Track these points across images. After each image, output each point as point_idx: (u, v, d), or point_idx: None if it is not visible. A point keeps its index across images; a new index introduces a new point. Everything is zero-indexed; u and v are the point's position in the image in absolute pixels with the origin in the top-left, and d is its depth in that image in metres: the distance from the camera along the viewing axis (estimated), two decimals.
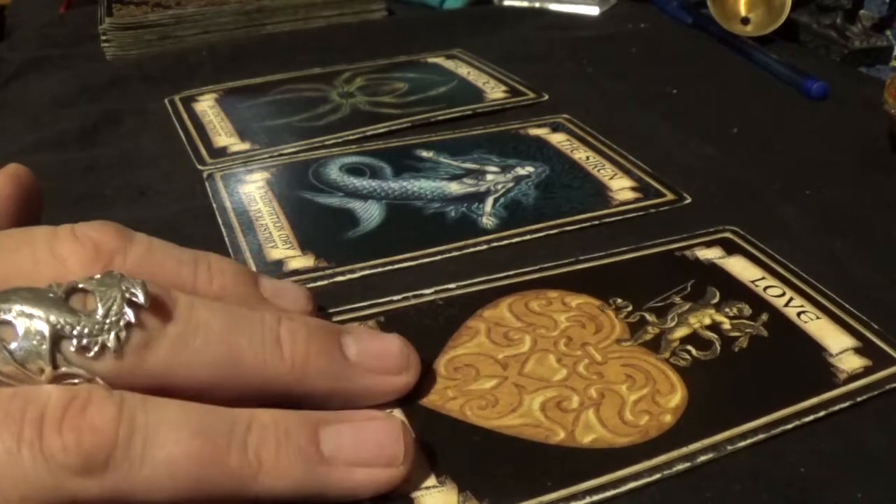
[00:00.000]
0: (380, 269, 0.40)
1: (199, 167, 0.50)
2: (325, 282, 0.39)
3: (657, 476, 0.28)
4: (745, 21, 0.70)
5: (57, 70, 0.67)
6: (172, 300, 0.26)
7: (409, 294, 0.37)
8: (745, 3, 0.71)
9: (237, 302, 0.30)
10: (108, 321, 0.25)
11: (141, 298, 0.25)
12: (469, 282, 0.38)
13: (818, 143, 0.53)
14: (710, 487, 0.28)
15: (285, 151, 0.52)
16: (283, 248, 0.41)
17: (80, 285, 0.25)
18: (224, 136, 0.54)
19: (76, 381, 0.25)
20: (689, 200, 0.46)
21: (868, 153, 0.52)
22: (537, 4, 0.80)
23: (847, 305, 0.36)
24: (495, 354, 0.33)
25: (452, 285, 0.38)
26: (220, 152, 0.52)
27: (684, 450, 0.29)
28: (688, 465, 0.28)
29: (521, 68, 0.64)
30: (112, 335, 0.25)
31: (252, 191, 0.47)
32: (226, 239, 0.42)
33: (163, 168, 0.51)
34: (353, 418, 0.27)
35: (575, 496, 0.27)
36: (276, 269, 0.39)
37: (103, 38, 0.68)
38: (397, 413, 0.30)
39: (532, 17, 0.78)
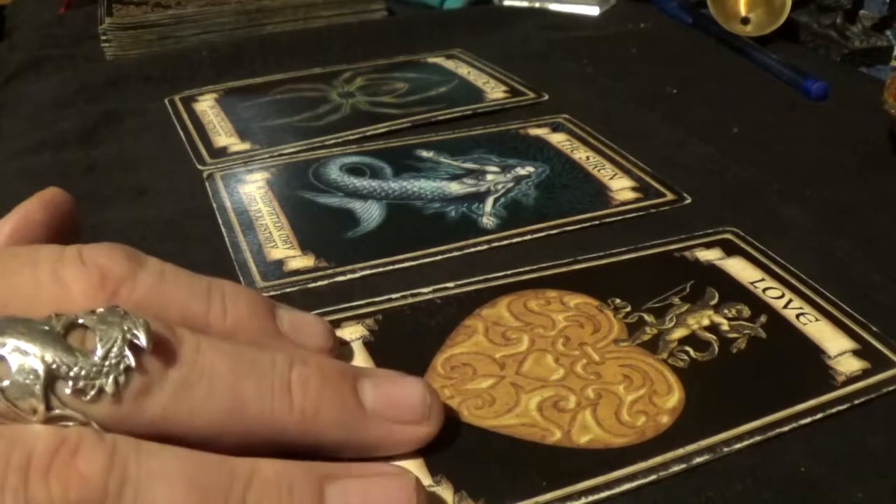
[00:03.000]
0: (380, 270, 0.40)
1: (199, 167, 0.50)
2: (325, 282, 0.39)
3: (653, 477, 0.28)
4: (745, 21, 0.70)
5: (57, 70, 0.67)
6: (177, 341, 0.25)
7: (407, 293, 0.37)
8: (745, 3, 0.71)
9: (251, 337, 0.28)
10: (106, 364, 0.23)
11: (143, 341, 0.24)
12: (467, 281, 0.38)
13: (818, 143, 0.53)
14: (711, 487, 0.28)
15: (285, 151, 0.52)
16: (283, 247, 0.41)
17: (80, 321, 0.24)
18: (224, 136, 0.54)
19: (70, 423, 0.23)
20: (689, 200, 0.46)
21: (868, 153, 0.52)
22: (537, 4, 0.80)
23: (846, 307, 0.36)
24: (493, 354, 0.33)
25: (450, 284, 0.38)
26: (220, 152, 0.52)
27: (680, 451, 0.29)
28: (684, 466, 0.28)
29: (521, 68, 0.64)
30: (110, 379, 0.23)
31: (252, 191, 0.47)
32: (226, 239, 0.42)
33: (163, 168, 0.51)
34: (364, 472, 0.25)
35: (570, 496, 0.27)
36: (276, 269, 0.39)
37: (103, 38, 0.68)
38: (414, 466, 0.28)
39: (532, 17, 0.78)
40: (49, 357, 0.23)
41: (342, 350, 0.33)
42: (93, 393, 0.23)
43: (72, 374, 0.23)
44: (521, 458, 0.29)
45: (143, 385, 0.24)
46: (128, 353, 0.24)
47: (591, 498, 0.27)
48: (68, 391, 0.23)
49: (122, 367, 0.23)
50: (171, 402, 0.24)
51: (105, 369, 0.23)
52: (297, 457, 0.25)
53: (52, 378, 0.23)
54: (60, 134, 0.55)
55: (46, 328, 0.23)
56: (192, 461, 0.23)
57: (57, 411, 0.23)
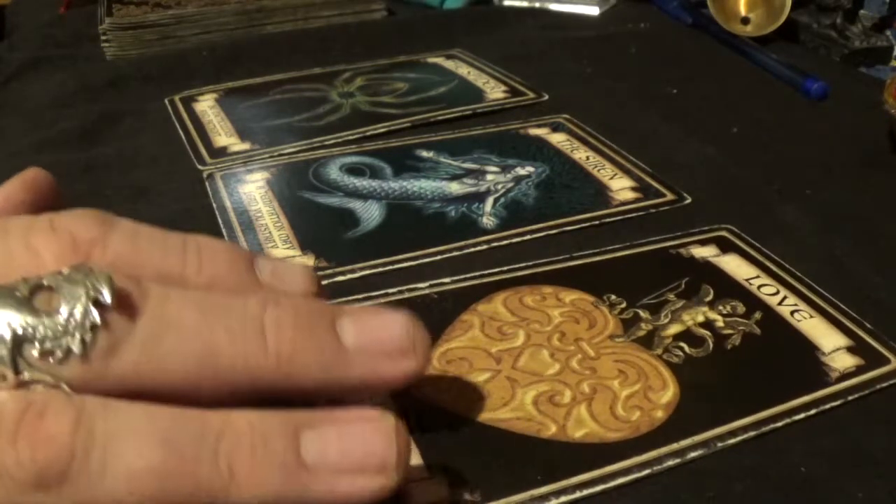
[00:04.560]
0: (380, 269, 0.40)
1: (199, 167, 0.50)
2: (325, 282, 0.38)
3: (647, 472, 0.28)
4: (745, 21, 0.70)
5: (57, 70, 0.67)
6: (143, 294, 0.24)
7: (404, 288, 0.37)
8: (745, 3, 0.71)
9: (230, 290, 0.27)
10: (72, 323, 0.23)
11: (107, 297, 0.23)
12: (463, 276, 0.38)
13: (818, 143, 0.53)
14: (712, 487, 0.28)
15: (285, 151, 0.52)
16: (283, 247, 0.41)
17: (45, 282, 0.23)
18: (224, 136, 0.54)
19: (41, 387, 0.22)
20: (688, 200, 0.46)
21: (868, 153, 0.52)
22: (537, 4, 0.80)
23: (841, 304, 0.36)
24: (489, 348, 0.33)
25: (447, 279, 0.38)
26: (220, 152, 0.52)
27: (675, 446, 0.29)
28: (678, 461, 0.28)
29: (521, 68, 0.65)
30: (77, 338, 0.22)
31: (252, 190, 0.47)
32: (226, 239, 0.42)
33: (163, 168, 0.51)
34: (341, 418, 0.24)
35: (565, 490, 0.27)
36: None
37: (103, 38, 0.68)
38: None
39: (532, 17, 0.78)
40: (14, 321, 0.22)
41: None
42: (60, 354, 0.22)
43: (38, 336, 0.22)
44: (516, 451, 0.29)
45: (110, 342, 0.23)
46: (93, 310, 0.23)
47: (585, 492, 0.27)
48: (35, 353, 0.22)
49: (87, 325, 0.23)
50: (141, 356, 0.23)
51: (71, 328, 0.23)
52: (279, 407, 0.24)
53: (18, 342, 0.22)
54: (60, 134, 0.55)
55: (16, 293, 0.23)
56: (162, 415, 0.23)
57: (26, 375, 0.22)
